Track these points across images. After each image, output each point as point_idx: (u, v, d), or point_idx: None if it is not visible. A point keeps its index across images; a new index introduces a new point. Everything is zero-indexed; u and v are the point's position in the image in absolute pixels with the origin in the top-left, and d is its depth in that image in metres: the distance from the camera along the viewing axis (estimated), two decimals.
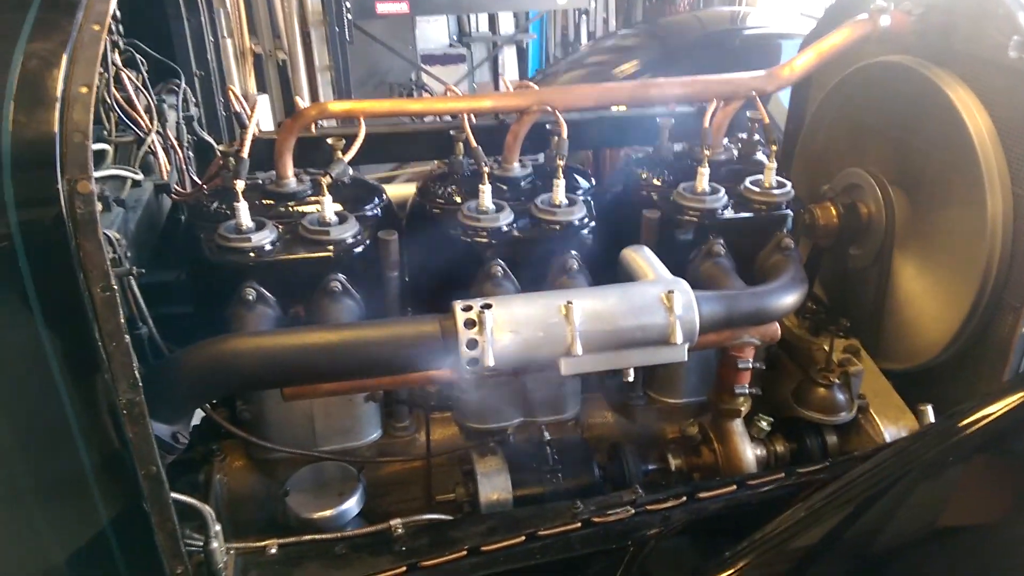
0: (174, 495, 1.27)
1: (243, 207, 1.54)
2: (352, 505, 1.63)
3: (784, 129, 2.45)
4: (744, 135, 1.91)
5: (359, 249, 1.61)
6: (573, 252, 1.66)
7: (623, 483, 1.76)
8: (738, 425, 1.81)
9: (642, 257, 1.66)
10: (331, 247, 1.57)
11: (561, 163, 1.66)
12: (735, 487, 1.63)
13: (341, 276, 1.57)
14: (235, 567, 1.45)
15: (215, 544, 1.38)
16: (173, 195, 1.76)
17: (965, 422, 1.37)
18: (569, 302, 1.46)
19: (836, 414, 1.81)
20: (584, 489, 1.71)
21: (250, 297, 1.52)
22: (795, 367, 2.03)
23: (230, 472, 1.76)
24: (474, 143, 1.67)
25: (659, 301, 1.48)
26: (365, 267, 1.63)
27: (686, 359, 1.53)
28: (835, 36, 1.78)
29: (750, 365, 1.72)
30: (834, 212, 1.97)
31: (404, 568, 1.44)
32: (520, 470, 1.71)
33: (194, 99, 2.09)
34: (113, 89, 1.68)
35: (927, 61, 1.80)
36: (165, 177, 1.76)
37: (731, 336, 1.68)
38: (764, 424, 1.83)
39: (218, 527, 1.40)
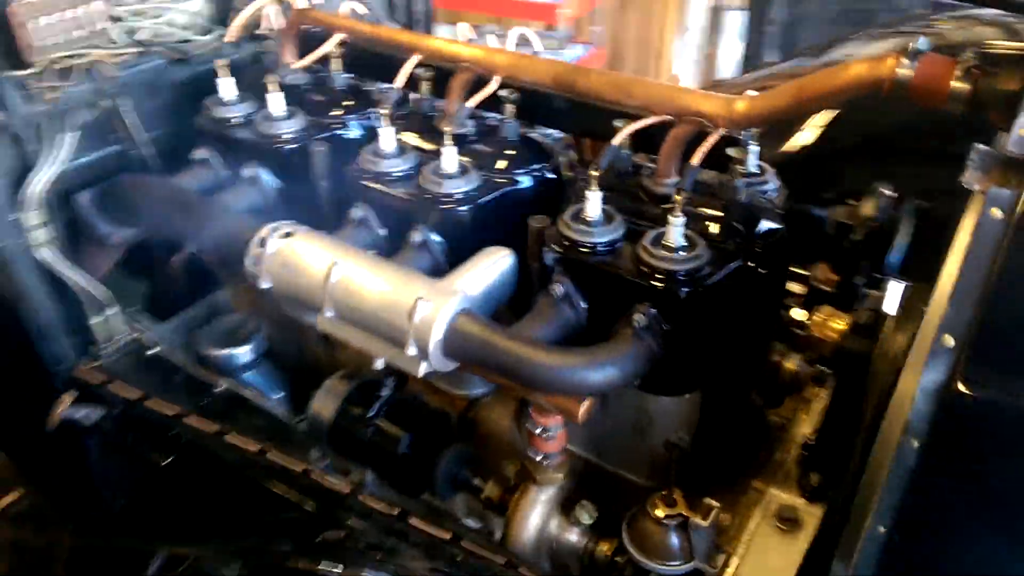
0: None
1: (227, 82, 1.81)
2: (240, 353, 1.90)
3: None
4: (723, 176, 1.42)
5: (293, 147, 1.76)
6: (425, 226, 1.55)
7: (424, 476, 1.67)
8: (541, 492, 1.52)
9: (477, 258, 1.47)
10: (266, 138, 1.76)
11: (448, 130, 1.52)
12: (449, 535, 1.45)
13: (258, 167, 1.76)
14: (127, 347, 1.89)
15: (97, 320, 1.83)
16: None
17: None
18: (335, 262, 1.44)
19: (659, 558, 1.39)
20: (383, 454, 1.68)
21: (197, 157, 1.83)
22: None
23: None
24: (400, 84, 1.62)
25: (406, 303, 1.35)
26: (301, 170, 1.77)
27: (420, 375, 1.38)
28: (827, 75, 1.17)
29: (538, 431, 1.42)
30: None
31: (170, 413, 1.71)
32: (355, 403, 1.74)
33: None
34: None
35: None
36: None
37: (520, 389, 1.41)
38: (585, 516, 1.50)
39: (114, 308, 1.85)
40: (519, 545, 1.51)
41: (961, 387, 0.79)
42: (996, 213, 0.83)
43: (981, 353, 0.80)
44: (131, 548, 1.60)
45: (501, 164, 1.61)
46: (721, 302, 1.35)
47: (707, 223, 1.39)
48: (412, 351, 1.35)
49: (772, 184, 1.53)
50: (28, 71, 1.69)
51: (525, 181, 1.62)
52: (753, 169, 1.51)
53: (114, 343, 1.87)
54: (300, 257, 1.48)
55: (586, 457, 1.66)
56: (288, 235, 1.52)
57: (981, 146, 0.88)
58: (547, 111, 1.64)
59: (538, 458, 1.47)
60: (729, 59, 6.81)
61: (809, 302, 1.67)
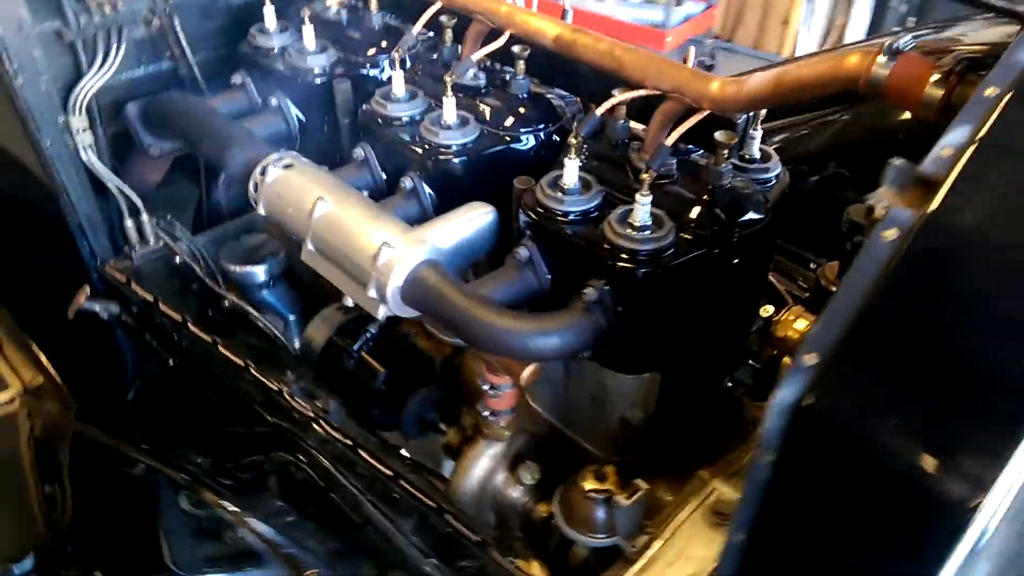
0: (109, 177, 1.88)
1: (270, 10, 1.87)
2: (257, 271, 1.99)
3: None
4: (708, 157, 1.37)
5: (318, 81, 1.81)
6: (414, 172, 1.57)
7: (394, 413, 1.73)
8: (488, 447, 1.55)
9: (457, 211, 1.49)
10: (294, 70, 1.82)
11: (449, 80, 1.52)
12: (391, 473, 1.51)
13: (282, 95, 1.82)
14: (156, 252, 2.02)
15: (131, 223, 1.97)
16: None
17: None
18: (320, 197, 1.50)
19: (583, 529, 1.41)
20: (360, 386, 1.75)
21: (235, 82, 1.91)
22: None
23: None
24: (417, 30, 1.64)
25: (373, 246, 1.40)
26: (324, 104, 1.82)
27: (379, 317, 1.43)
28: (807, 65, 1.10)
29: (487, 388, 1.45)
30: None
31: (176, 318, 1.83)
32: (345, 334, 1.81)
33: None
34: None
35: None
36: None
37: (470, 346, 1.43)
38: (527, 477, 1.53)
39: (144, 216, 1.98)
40: (461, 493, 1.55)
41: (809, 405, 0.76)
42: (889, 234, 0.78)
43: (833, 374, 0.76)
44: (114, 448, 1.75)
45: (506, 120, 1.61)
46: (684, 287, 1.33)
47: (684, 206, 1.35)
48: (372, 293, 1.40)
49: (773, 172, 1.47)
50: None
51: (528, 140, 1.61)
52: (755, 155, 1.46)
53: (146, 248, 2.01)
54: (292, 189, 1.54)
55: (551, 421, 1.68)
56: (288, 166, 1.59)
57: (898, 161, 0.83)
58: (561, 71, 1.62)
59: (485, 413, 1.50)
60: (858, 31, 6.42)
61: (813, 301, 1.62)
